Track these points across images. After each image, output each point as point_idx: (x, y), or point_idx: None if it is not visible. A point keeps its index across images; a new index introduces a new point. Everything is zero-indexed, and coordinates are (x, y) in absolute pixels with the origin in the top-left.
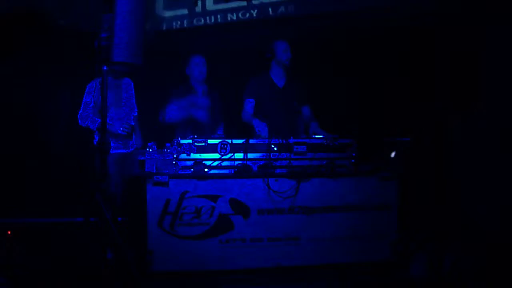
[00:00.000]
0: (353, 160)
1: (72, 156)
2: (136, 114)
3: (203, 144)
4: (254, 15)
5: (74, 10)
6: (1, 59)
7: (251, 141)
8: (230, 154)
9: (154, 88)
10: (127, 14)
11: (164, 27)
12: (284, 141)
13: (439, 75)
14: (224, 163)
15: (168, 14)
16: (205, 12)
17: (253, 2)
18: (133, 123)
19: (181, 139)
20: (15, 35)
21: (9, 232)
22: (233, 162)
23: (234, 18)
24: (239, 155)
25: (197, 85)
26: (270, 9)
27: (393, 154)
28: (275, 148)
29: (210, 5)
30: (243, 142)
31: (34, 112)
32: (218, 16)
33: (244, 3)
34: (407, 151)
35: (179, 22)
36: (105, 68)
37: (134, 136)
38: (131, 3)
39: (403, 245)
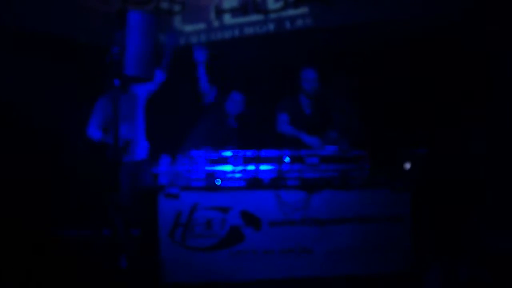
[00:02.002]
0: (366, 172)
1: (87, 169)
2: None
3: (216, 156)
4: (272, 28)
5: (93, 27)
6: (24, 76)
7: (262, 153)
8: (242, 166)
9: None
10: (139, 30)
11: (183, 42)
12: (296, 152)
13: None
14: (236, 175)
15: (186, 28)
16: (222, 27)
17: (271, 15)
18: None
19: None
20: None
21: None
22: (245, 174)
23: (252, 32)
24: (251, 167)
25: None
26: (287, 23)
27: (407, 165)
28: (287, 160)
29: (227, 20)
30: (255, 154)
31: (52, 125)
32: (236, 31)
33: (262, 17)
34: (422, 162)
35: (196, 37)
36: (117, 83)
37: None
38: (142, 20)
39: (417, 257)
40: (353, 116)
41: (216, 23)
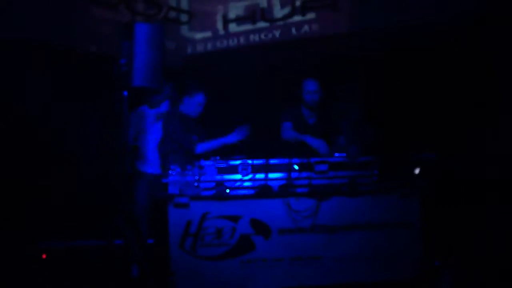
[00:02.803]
0: (375, 178)
1: (100, 180)
2: None
3: (225, 165)
4: (277, 35)
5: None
6: (33, 84)
7: (271, 161)
8: (251, 175)
9: None
10: (146, 41)
11: (190, 50)
12: (305, 160)
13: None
14: (245, 184)
15: (193, 36)
16: (228, 34)
17: (276, 23)
18: None
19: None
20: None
21: (44, 256)
22: (254, 182)
23: (257, 39)
24: (260, 175)
25: None
26: (293, 29)
27: (417, 171)
28: (296, 168)
29: (233, 27)
30: (264, 163)
31: (63, 134)
32: (241, 38)
33: (267, 24)
34: (431, 167)
35: (203, 45)
36: (125, 94)
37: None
38: (150, 31)
39: (428, 263)
40: (362, 122)
41: (222, 32)
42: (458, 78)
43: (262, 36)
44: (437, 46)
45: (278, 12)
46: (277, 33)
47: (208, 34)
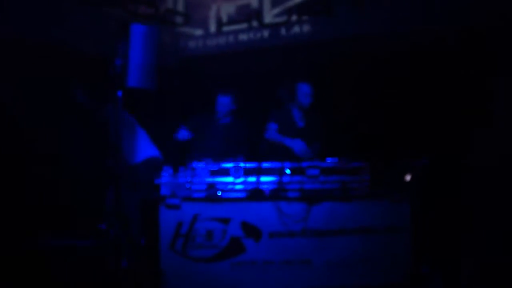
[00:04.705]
0: (366, 183)
1: (89, 180)
2: None
3: (217, 167)
4: (266, 35)
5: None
6: (26, 85)
7: (263, 164)
8: (243, 178)
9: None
10: (141, 42)
11: (181, 44)
12: (296, 164)
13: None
14: (237, 187)
15: (185, 31)
16: (218, 33)
17: (265, 21)
18: None
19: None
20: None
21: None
22: (246, 185)
23: (246, 38)
24: (252, 179)
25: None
26: (283, 30)
27: (408, 177)
28: (288, 172)
29: (226, 30)
30: (256, 166)
31: (55, 134)
32: (230, 37)
33: (262, 27)
34: (422, 173)
35: (194, 42)
36: (120, 94)
37: None
38: (145, 32)
39: (417, 267)
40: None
41: (212, 29)
42: (449, 85)
43: (251, 35)
44: (428, 52)
45: (272, 16)
46: (270, 36)
47: (202, 34)
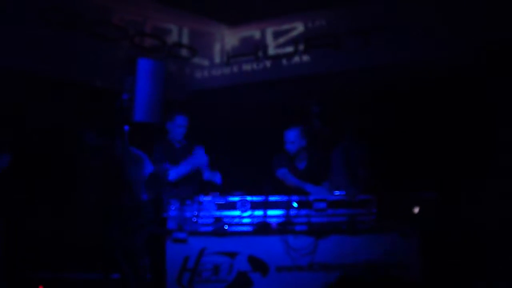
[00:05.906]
0: (373, 217)
1: (96, 215)
2: None
3: (223, 201)
4: (268, 65)
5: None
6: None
7: (270, 198)
8: (250, 212)
9: None
10: (148, 77)
11: (187, 72)
12: (304, 198)
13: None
14: (244, 220)
15: (192, 60)
16: (223, 62)
17: (279, 60)
18: None
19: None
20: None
21: (40, 287)
22: (253, 219)
23: (249, 68)
24: (259, 212)
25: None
26: (283, 60)
27: (416, 210)
28: (295, 205)
29: (233, 63)
30: (263, 200)
31: (64, 167)
32: (234, 67)
33: (269, 60)
34: (431, 206)
35: (200, 71)
36: (126, 128)
37: None
38: (152, 67)
39: None
40: (360, 162)
41: (217, 60)
42: (459, 117)
43: (254, 65)
44: (436, 84)
45: (281, 49)
46: (268, 63)
47: (207, 65)
